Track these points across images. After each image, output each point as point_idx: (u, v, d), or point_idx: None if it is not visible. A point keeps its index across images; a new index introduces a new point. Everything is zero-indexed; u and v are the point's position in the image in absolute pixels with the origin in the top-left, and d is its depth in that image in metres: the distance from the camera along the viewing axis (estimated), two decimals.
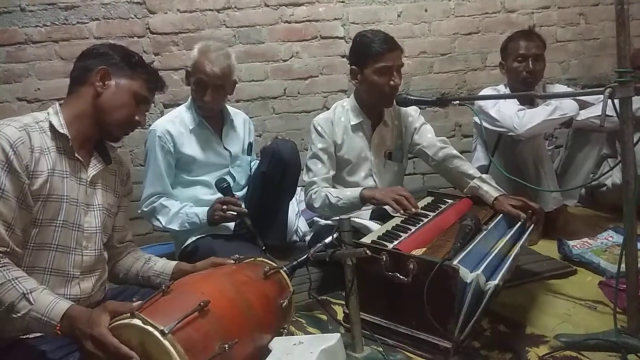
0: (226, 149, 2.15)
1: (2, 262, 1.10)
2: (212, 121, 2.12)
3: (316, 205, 1.97)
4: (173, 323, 0.94)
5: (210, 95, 2.00)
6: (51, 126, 1.25)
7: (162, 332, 0.93)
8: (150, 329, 0.94)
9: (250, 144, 2.28)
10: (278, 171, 2.08)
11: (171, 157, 2.04)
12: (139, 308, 0.99)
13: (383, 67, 1.90)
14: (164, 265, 1.47)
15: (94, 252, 1.33)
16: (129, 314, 0.98)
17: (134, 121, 1.36)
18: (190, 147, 2.07)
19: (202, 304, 0.99)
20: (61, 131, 1.25)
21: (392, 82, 1.91)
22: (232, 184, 2.07)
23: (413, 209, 1.75)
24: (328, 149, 2.03)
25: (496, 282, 1.36)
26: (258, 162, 2.26)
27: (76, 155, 1.28)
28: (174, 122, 2.06)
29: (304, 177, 2.07)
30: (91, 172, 1.33)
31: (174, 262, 1.48)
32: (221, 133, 2.16)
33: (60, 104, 1.31)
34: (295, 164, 2.13)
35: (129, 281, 1.47)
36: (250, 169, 2.29)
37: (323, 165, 2.02)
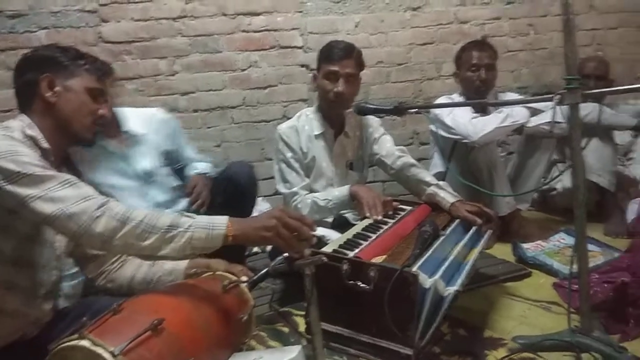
0: (135, 166, 1.84)
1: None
2: (108, 135, 1.78)
3: (303, 213, 1.95)
4: (124, 343, 0.89)
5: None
6: (30, 139, 1.17)
7: (112, 354, 0.88)
8: (100, 350, 0.89)
9: (166, 152, 1.95)
10: (235, 198, 1.90)
11: None
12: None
13: (330, 72, 1.94)
14: (174, 264, 1.41)
15: (59, 273, 1.28)
16: (76, 335, 0.93)
17: (98, 117, 1.30)
18: (97, 173, 1.76)
19: (155, 322, 0.95)
20: (44, 145, 1.19)
21: (335, 89, 1.93)
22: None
23: (377, 217, 1.76)
24: (298, 158, 2.04)
25: (456, 287, 1.37)
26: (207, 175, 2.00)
27: None
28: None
29: (281, 188, 2.06)
30: None
31: (185, 260, 1.41)
32: (124, 147, 1.83)
33: (26, 116, 1.23)
34: (253, 187, 1.98)
35: (134, 290, 1.37)
36: (176, 173, 1.99)
37: (297, 174, 2.02)
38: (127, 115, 1.84)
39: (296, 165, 2.02)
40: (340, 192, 1.96)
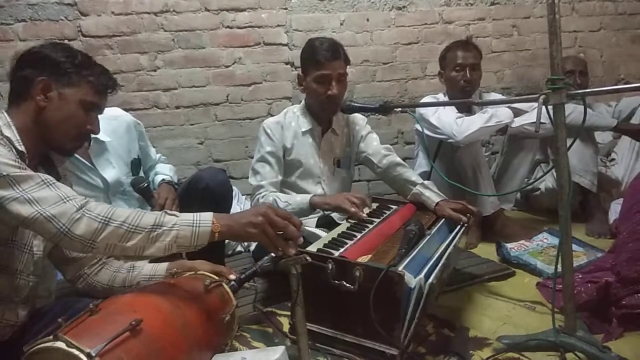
0: (101, 175, 1.78)
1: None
2: None
3: None
4: (101, 345, 0.86)
5: None
6: (6, 139, 1.12)
7: (88, 355, 0.84)
8: (76, 352, 0.85)
9: (135, 160, 1.89)
10: (210, 208, 1.75)
11: None
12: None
13: (322, 76, 1.90)
14: (153, 268, 1.37)
15: (37, 278, 1.24)
16: (51, 337, 0.89)
17: (85, 131, 1.26)
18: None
19: (133, 322, 0.91)
20: (19, 148, 1.14)
21: (329, 92, 1.90)
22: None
23: (364, 214, 1.74)
24: (277, 153, 2.00)
25: (430, 281, 1.35)
26: (177, 188, 1.88)
27: None
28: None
29: (251, 180, 2.02)
30: None
31: (165, 263, 1.38)
32: (90, 156, 1.77)
33: (6, 112, 1.18)
34: (228, 195, 1.85)
35: (113, 293, 1.28)
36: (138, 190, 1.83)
37: (271, 168, 1.98)
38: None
39: (272, 160, 1.99)
40: (302, 198, 1.90)
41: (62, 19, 2.59)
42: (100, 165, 1.79)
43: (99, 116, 1.34)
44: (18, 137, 1.15)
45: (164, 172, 1.96)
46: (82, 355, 0.85)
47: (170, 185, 1.86)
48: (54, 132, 1.21)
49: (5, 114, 1.18)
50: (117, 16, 2.65)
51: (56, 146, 1.25)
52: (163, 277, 1.36)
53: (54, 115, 1.20)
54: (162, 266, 1.39)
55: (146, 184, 1.78)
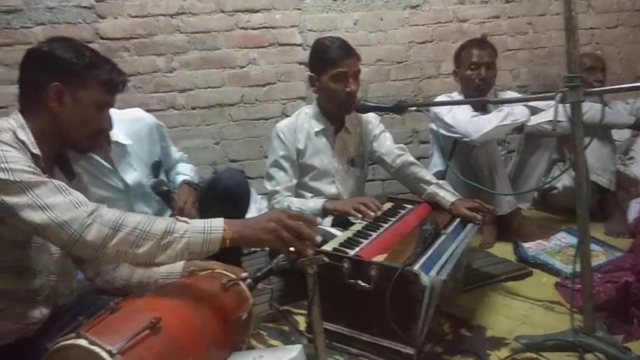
0: (122, 178, 1.78)
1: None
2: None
3: None
4: (122, 342, 0.87)
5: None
6: (20, 143, 1.13)
7: (109, 353, 0.86)
8: (97, 349, 0.87)
9: (156, 162, 1.91)
10: (228, 209, 1.70)
11: None
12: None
13: (338, 74, 1.90)
14: (171, 266, 1.37)
15: (57, 277, 1.26)
16: (73, 334, 0.91)
17: (100, 129, 1.27)
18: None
19: (153, 321, 0.93)
20: (34, 151, 1.14)
21: (347, 89, 1.91)
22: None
23: (372, 213, 1.74)
24: (290, 157, 2.01)
25: (441, 277, 1.34)
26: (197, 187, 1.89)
27: None
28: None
29: (267, 185, 2.04)
30: None
31: (182, 261, 1.36)
32: (111, 159, 1.78)
33: (21, 113, 1.18)
34: (246, 196, 1.87)
35: (131, 290, 1.33)
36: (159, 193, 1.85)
37: (285, 173, 1.99)
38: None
39: (286, 164, 2.00)
40: (314, 203, 1.92)
41: (80, 22, 2.63)
42: (121, 168, 1.79)
43: (122, 120, 1.35)
44: (33, 140, 1.15)
45: (185, 172, 1.98)
46: (103, 353, 0.87)
47: (190, 187, 1.88)
48: (71, 134, 1.22)
49: (20, 115, 1.18)
50: (133, 18, 2.68)
51: (72, 146, 1.26)
52: (180, 274, 1.38)
53: (69, 119, 1.20)
54: (179, 264, 1.40)
55: (166, 188, 1.80)
